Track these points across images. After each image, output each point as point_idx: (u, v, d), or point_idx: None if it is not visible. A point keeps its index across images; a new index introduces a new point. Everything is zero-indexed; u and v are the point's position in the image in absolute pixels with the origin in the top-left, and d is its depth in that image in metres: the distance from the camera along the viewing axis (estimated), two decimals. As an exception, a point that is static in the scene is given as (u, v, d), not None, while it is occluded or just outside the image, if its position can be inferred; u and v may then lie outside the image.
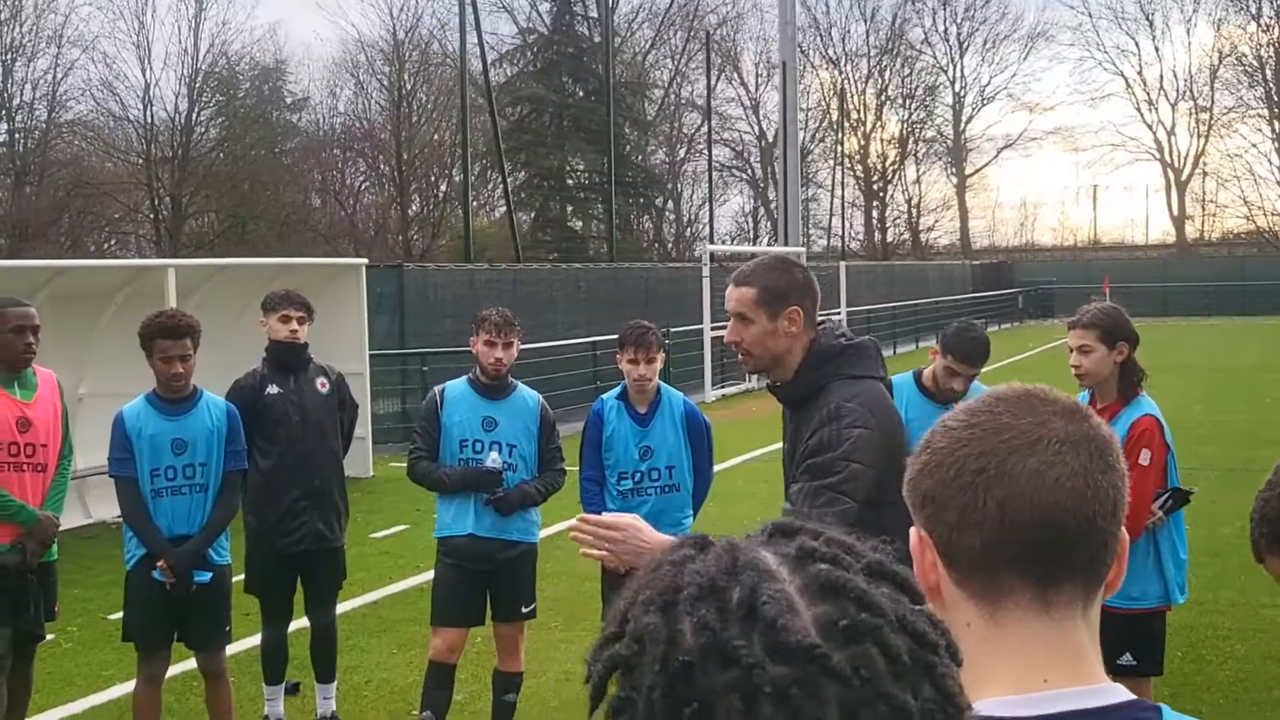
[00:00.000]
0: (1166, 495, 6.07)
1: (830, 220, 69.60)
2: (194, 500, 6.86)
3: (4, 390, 6.85)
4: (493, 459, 7.10)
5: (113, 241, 49.44)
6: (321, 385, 7.92)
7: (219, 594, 7.00)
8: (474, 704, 8.00)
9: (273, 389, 7.73)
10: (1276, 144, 69.92)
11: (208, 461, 6.90)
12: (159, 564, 6.74)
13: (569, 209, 58.62)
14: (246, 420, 7.26)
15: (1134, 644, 5.92)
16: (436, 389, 7.44)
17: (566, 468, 7.48)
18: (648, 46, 65.39)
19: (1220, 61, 70.98)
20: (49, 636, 9.57)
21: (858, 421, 4.20)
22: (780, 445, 4.61)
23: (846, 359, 4.39)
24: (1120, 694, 1.55)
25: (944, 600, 1.61)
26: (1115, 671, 5.13)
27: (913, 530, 1.64)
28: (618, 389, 7.46)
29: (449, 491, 7.16)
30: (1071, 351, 6.07)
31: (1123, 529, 1.62)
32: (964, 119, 75.74)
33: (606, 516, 3.91)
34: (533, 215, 57.16)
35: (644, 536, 3.76)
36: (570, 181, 58.13)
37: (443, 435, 7.16)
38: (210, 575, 6.90)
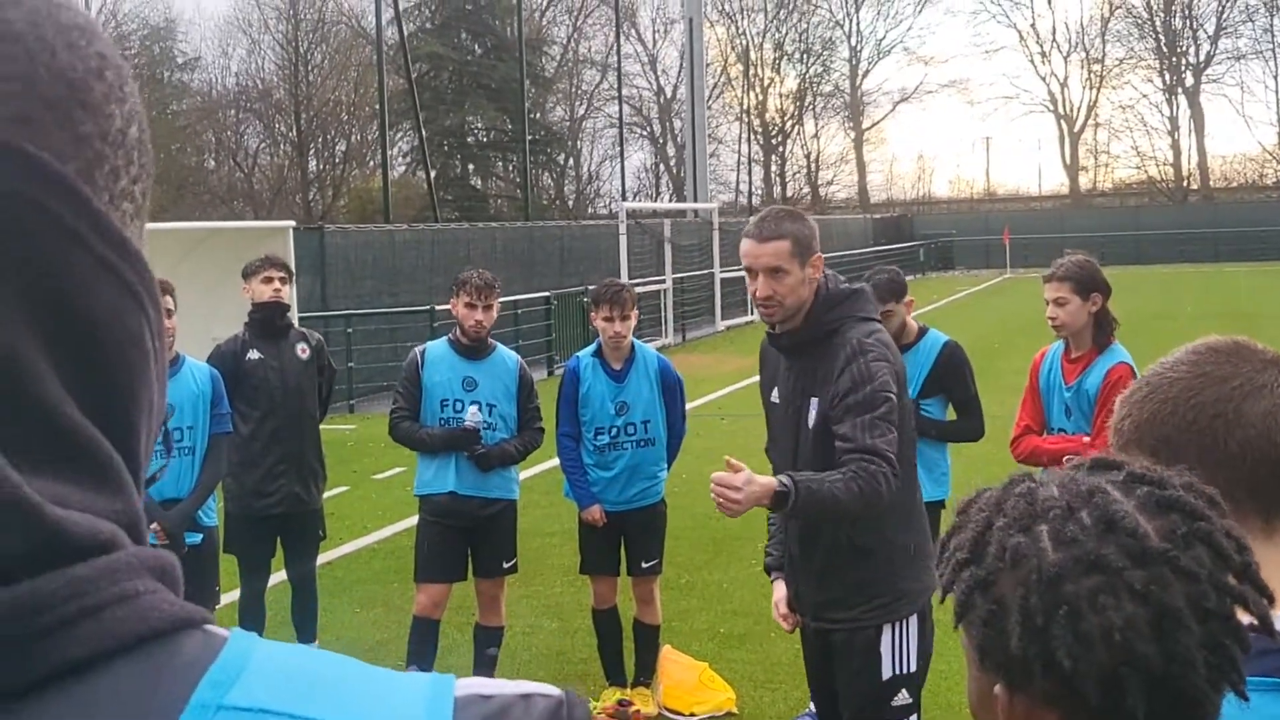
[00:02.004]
0: None
1: (734, 177, 70.00)
2: (181, 463, 6.91)
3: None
4: (471, 413, 7.22)
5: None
6: (302, 351, 7.96)
7: (208, 555, 7.09)
8: (449, 657, 8.12)
9: (253, 354, 7.77)
10: (1166, 95, 71.32)
11: (194, 425, 6.95)
12: (151, 527, 6.78)
13: (470, 167, 58.36)
14: (228, 385, 7.31)
15: None
16: (417, 349, 7.57)
17: (543, 426, 7.64)
18: (545, 3, 65.15)
19: (1111, 13, 72.29)
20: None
21: (882, 355, 4.53)
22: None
23: (854, 301, 4.70)
24: None
25: None
26: None
27: None
28: (593, 346, 7.60)
29: (431, 451, 7.29)
30: (1048, 304, 6.31)
31: None
32: (861, 73, 76.41)
33: (728, 476, 4.22)
34: (434, 175, 56.72)
35: (755, 488, 4.19)
36: (470, 140, 57.84)
37: (424, 395, 7.29)
38: (200, 537, 6.98)
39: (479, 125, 57.88)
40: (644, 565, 7.56)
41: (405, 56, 30.81)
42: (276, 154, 56.91)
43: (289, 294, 7.91)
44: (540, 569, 10.17)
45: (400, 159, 56.17)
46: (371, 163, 57.12)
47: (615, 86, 50.63)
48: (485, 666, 7.45)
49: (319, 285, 20.36)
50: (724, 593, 9.70)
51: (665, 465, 7.66)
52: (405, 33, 55.70)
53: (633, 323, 7.49)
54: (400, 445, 7.61)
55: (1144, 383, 1.86)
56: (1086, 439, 5.93)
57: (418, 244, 23.30)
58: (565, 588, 9.78)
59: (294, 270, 8.05)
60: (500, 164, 57.85)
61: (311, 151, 56.17)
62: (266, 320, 7.81)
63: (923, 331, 7.39)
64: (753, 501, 4.20)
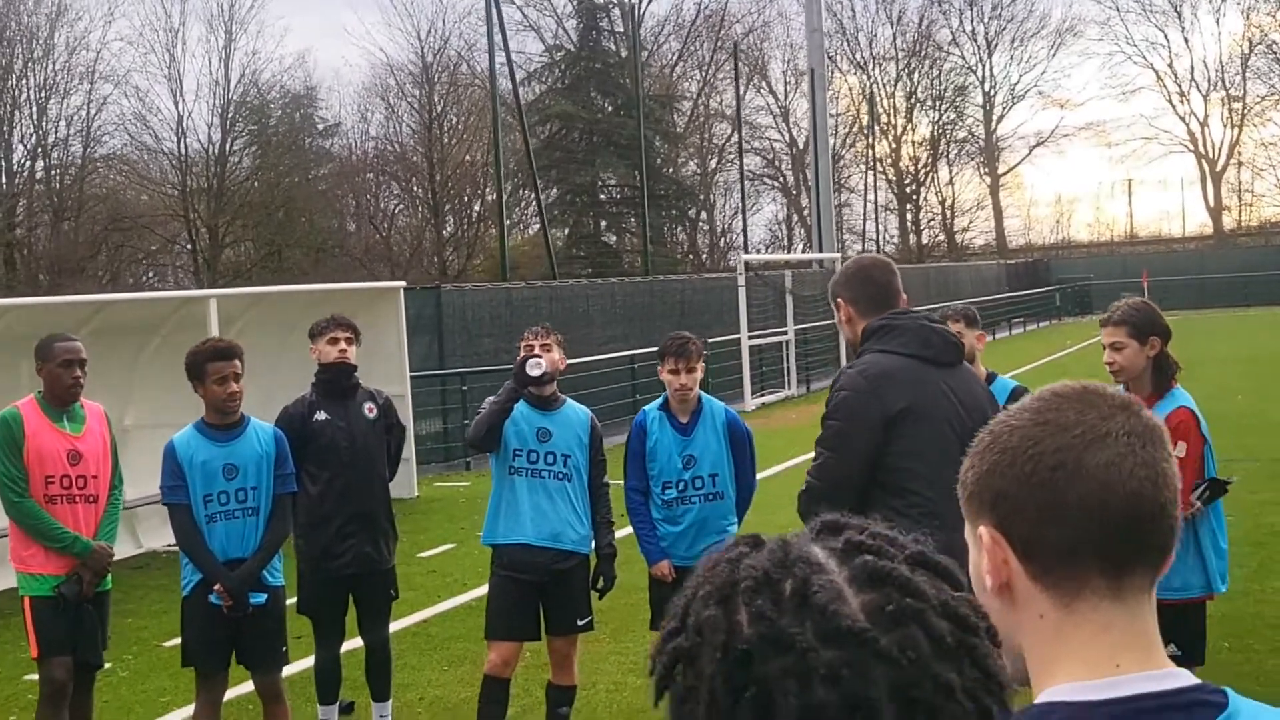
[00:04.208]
0: (1204, 486, 6.12)
1: (864, 224, 69.55)
2: (246, 524, 6.96)
3: (54, 424, 6.99)
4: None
5: (151, 274, 49.84)
6: (369, 410, 8.01)
7: (274, 615, 7.10)
8: (525, 717, 8.07)
9: (321, 415, 7.83)
10: (1311, 131, 69.49)
11: (258, 485, 7.00)
12: (215, 588, 6.85)
13: (602, 224, 58.75)
14: (295, 446, 7.37)
15: (1179, 635, 5.94)
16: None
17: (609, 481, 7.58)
18: (675, 59, 65.54)
19: (1251, 50, 70.59)
20: (106, 665, 9.75)
21: (846, 385, 4.92)
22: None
23: (879, 336, 5.03)
24: (1187, 678, 1.60)
25: (1016, 595, 1.66)
26: None
27: (982, 529, 1.68)
28: (659, 400, 7.57)
29: (502, 405, 7.08)
30: (1105, 349, 6.14)
31: None
32: (995, 118, 75.46)
33: None
34: (566, 231, 57.32)
35: None
36: (603, 196, 58.26)
37: (501, 447, 7.24)
38: (265, 597, 7.00)
39: (611, 181, 58.29)
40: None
41: (521, 117, 31.17)
42: (414, 216, 57.79)
43: (354, 354, 7.96)
44: (630, 624, 10.07)
45: (534, 217, 56.71)
46: (508, 223, 57.72)
47: (744, 140, 50.64)
48: (556, 727, 7.38)
49: (436, 344, 20.57)
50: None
51: (735, 519, 7.57)
52: (534, 94, 56.53)
53: (699, 375, 7.46)
54: (478, 444, 7.41)
55: (988, 432, 1.73)
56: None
57: (535, 301, 23.45)
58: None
59: (359, 330, 8.08)
60: (632, 220, 58.12)
61: (448, 211, 56.95)
62: (333, 381, 7.88)
63: (991, 377, 7.27)
64: None
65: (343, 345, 7.89)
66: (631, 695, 8.71)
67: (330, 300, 15.24)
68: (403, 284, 17.58)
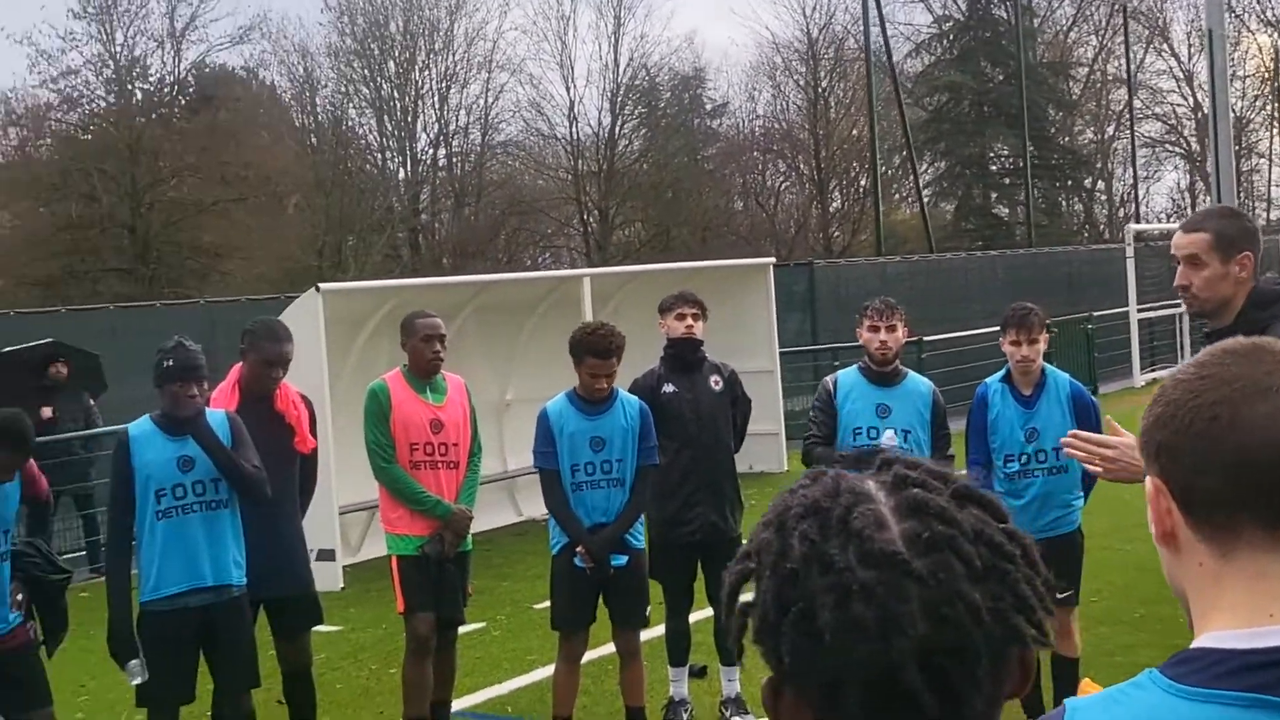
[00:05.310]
0: None
1: (1269, 191, 65.67)
2: (610, 494, 7.33)
3: (418, 395, 7.48)
4: (888, 437, 7.24)
5: (547, 256, 51.72)
6: (715, 383, 8.23)
7: (637, 575, 7.48)
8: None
9: (669, 387, 8.09)
10: None
11: (624, 458, 7.35)
12: (578, 550, 7.22)
13: (992, 196, 57.56)
14: (643, 418, 7.66)
15: None
16: (828, 379, 7.70)
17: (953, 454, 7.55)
18: (1069, 24, 63.42)
19: None
20: (480, 625, 10.32)
21: None
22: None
23: None
24: None
25: (1179, 543, 1.68)
26: None
27: (1148, 479, 1.72)
28: (1001, 372, 7.47)
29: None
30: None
31: None
32: None
33: (1099, 435, 4.18)
34: (954, 204, 56.43)
35: (1137, 455, 4.02)
36: (993, 168, 57.08)
37: (839, 424, 7.37)
38: (627, 559, 7.35)
39: (1004, 153, 57.05)
40: (1059, 596, 7.27)
41: (897, 90, 30.88)
42: (800, 193, 58.00)
43: (700, 329, 8.17)
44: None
45: (918, 192, 56.01)
46: (897, 196, 57.31)
47: (1144, 105, 48.67)
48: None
49: (809, 320, 20.67)
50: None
51: (1081, 494, 7.40)
52: (921, 65, 55.82)
53: (1041, 346, 7.35)
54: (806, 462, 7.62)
55: (1158, 386, 1.76)
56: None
57: (910, 275, 23.28)
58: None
59: (705, 306, 8.29)
60: (1024, 191, 56.72)
61: (833, 187, 56.91)
62: (680, 355, 8.12)
63: None
64: (1129, 473, 4.01)
65: (689, 321, 8.12)
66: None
67: (700, 277, 15.55)
68: (772, 260, 17.75)
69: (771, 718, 1.38)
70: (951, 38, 57.23)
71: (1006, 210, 57.72)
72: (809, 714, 1.33)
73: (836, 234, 55.05)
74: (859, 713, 1.28)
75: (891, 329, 7.36)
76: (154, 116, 42.23)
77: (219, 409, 6.81)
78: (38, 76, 41.16)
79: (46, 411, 13.35)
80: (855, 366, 7.62)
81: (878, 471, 1.39)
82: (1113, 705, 1.58)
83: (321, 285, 12.42)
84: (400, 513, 7.44)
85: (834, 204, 57.03)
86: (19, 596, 6.48)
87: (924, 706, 1.26)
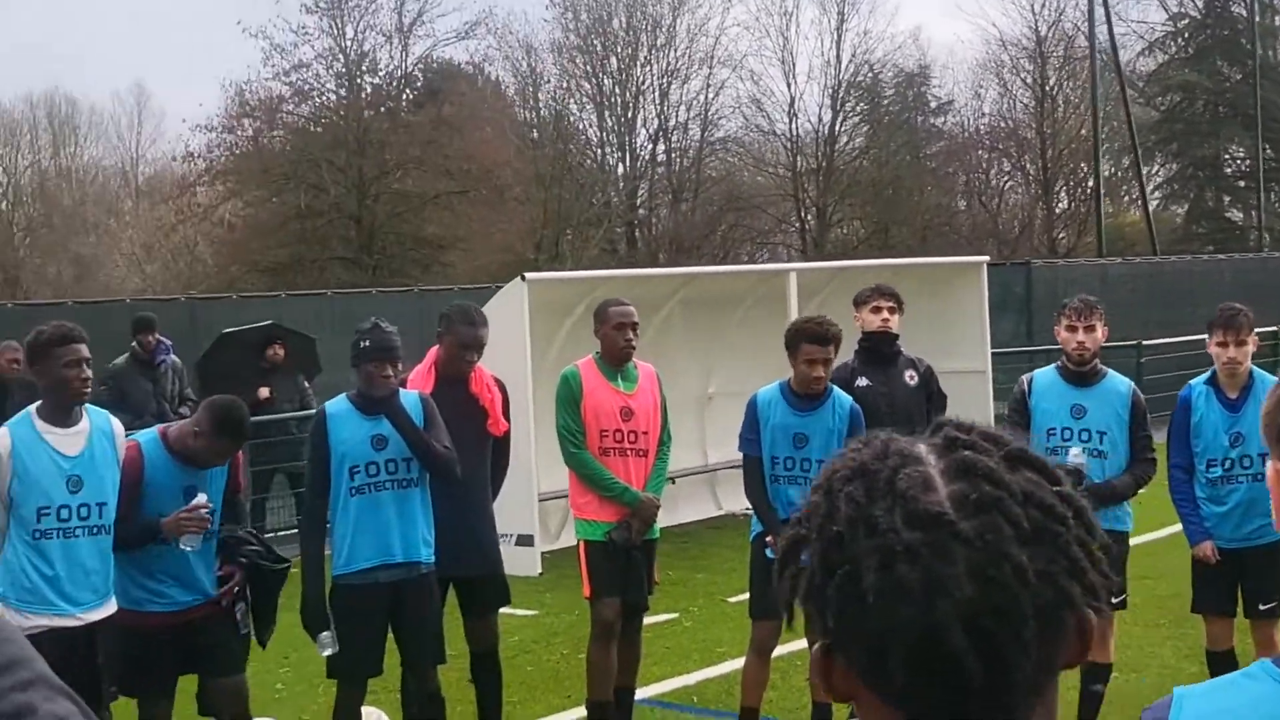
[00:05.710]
0: None
1: None
2: (808, 490, 7.21)
3: (609, 382, 7.53)
4: (1074, 454, 7.07)
5: (763, 252, 51.62)
6: (910, 377, 8.13)
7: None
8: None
9: (862, 380, 8.02)
10: None
11: (824, 458, 7.21)
12: (767, 539, 7.18)
13: (1225, 199, 55.60)
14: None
15: None
16: (1024, 377, 7.55)
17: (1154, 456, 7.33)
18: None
19: None
20: (672, 615, 10.37)
21: None
22: None
23: None
24: None
25: None
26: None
27: (1270, 463, 1.85)
28: (1207, 374, 7.22)
29: None
30: None
31: None
32: None
33: None
34: (1185, 207, 54.66)
35: None
36: (1228, 170, 55.14)
37: (1032, 424, 7.21)
38: None
39: (1240, 154, 55.07)
40: (1262, 607, 7.05)
41: (1123, 89, 29.98)
42: (1025, 193, 56.84)
43: (896, 323, 8.06)
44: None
45: (1151, 193, 54.40)
46: (1126, 198, 55.80)
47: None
48: (1091, 703, 7.24)
49: (1024, 321, 20.24)
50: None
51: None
52: (1155, 64, 54.16)
53: (1250, 348, 7.10)
54: None
55: None
56: None
57: (1131, 278, 22.61)
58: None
59: (903, 300, 8.18)
60: (1261, 194, 54.69)
61: (1059, 188, 55.63)
62: (875, 348, 8.04)
63: None
64: None
65: (885, 314, 8.03)
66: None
67: (911, 274, 15.36)
68: (985, 259, 17.39)
69: (822, 685, 1.35)
70: (1187, 36, 55.44)
71: (1240, 214, 55.73)
72: (857, 681, 1.31)
73: (1062, 235, 53.80)
74: (904, 678, 1.25)
75: (1090, 329, 7.16)
76: (381, 110, 43.34)
77: (414, 390, 6.96)
78: (271, 70, 42.20)
79: (264, 391, 13.83)
80: (1054, 366, 7.45)
81: (931, 434, 1.37)
82: (1223, 693, 1.55)
83: (527, 275, 12.58)
84: (589, 498, 7.50)
85: (1060, 205, 55.73)
86: (235, 592, 6.66)
87: (968, 670, 1.23)
